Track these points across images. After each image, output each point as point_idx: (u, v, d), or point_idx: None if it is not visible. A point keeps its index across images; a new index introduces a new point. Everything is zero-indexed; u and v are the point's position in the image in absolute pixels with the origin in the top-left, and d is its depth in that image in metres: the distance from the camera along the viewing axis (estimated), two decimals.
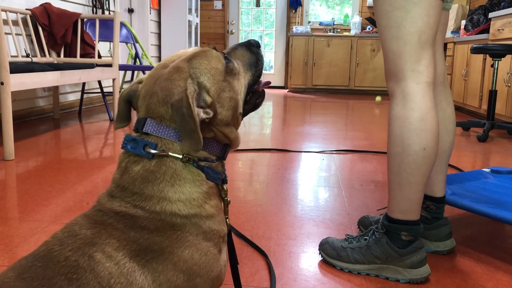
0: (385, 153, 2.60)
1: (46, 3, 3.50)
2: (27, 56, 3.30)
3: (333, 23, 7.35)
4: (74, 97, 4.21)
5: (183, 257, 0.63)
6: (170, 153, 0.65)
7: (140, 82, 0.72)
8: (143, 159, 0.65)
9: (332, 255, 1.17)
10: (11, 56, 3.24)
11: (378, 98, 5.91)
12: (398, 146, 1.03)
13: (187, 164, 0.67)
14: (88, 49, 3.68)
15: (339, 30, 7.40)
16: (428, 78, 1.02)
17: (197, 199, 0.66)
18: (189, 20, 6.72)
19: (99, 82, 3.81)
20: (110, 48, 4.73)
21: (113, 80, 3.55)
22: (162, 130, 0.65)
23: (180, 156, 0.66)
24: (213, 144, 0.71)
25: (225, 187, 0.73)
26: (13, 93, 3.35)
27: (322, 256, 1.20)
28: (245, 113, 0.77)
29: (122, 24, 4.15)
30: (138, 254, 0.60)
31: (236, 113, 0.73)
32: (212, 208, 0.69)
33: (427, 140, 1.01)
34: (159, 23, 6.60)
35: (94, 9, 4.44)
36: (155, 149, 0.65)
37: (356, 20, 7.02)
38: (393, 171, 1.06)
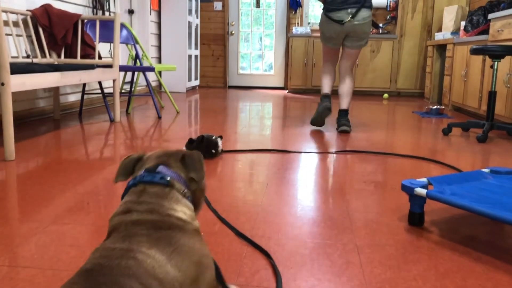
0: (385, 153, 2.61)
1: (46, 4, 3.50)
2: (28, 57, 3.30)
3: None
4: (74, 98, 4.22)
5: (191, 244, 0.84)
6: (176, 186, 0.91)
7: (139, 158, 1.00)
8: (158, 185, 0.90)
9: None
10: (12, 57, 3.25)
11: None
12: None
13: (183, 196, 0.93)
14: (89, 50, 3.69)
15: None
16: (327, 70, 3.55)
17: (190, 215, 0.90)
18: (189, 21, 6.72)
19: (100, 83, 3.82)
20: (110, 49, 4.74)
21: (114, 81, 3.56)
22: (171, 173, 0.93)
23: (181, 190, 0.92)
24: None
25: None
26: (13, 93, 3.36)
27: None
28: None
29: (123, 25, 4.16)
30: (164, 249, 0.79)
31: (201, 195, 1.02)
32: (197, 224, 0.90)
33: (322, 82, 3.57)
34: (159, 24, 6.61)
35: (95, 10, 4.45)
36: (168, 183, 0.90)
37: None
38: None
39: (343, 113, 3.46)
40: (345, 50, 3.43)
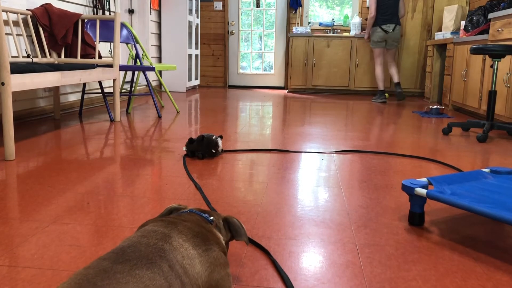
0: (385, 153, 2.61)
1: (46, 3, 3.50)
2: (28, 56, 3.30)
3: (333, 23, 7.36)
4: (74, 97, 4.22)
5: (220, 255, 0.96)
6: (216, 225, 1.09)
7: (177, 208, 1.13)
8: (206, 221, 1.06)
9: None
10: (12, 57, 3.25)
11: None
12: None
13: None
14: (89, 50, 3.69)
15: (339, 30, 7.40)
16: (379, 62, 6.00)
17: (220, 237, 1.04)
18: (189, 21, 6.72)
19: (100, 82, 3.82)
20: (110, 48, 4.74)
21: (114, 80, 3.56)
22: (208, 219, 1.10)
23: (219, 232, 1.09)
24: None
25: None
26: (13, 93, 3.36)
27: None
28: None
29: (123, 25, 4.16)
30: (198, 245, 0.91)
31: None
32: (225, 247, 1.03)
33: (376, 77, 6.10)
34: (159, 23, 6.61)
35: (95, 9, 4.45)
36: (212, 221, 1.07)
37: (356, 20, 7.02)
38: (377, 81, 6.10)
39: (397, 84, 5.95)
40: (388, 50, 6.03)
